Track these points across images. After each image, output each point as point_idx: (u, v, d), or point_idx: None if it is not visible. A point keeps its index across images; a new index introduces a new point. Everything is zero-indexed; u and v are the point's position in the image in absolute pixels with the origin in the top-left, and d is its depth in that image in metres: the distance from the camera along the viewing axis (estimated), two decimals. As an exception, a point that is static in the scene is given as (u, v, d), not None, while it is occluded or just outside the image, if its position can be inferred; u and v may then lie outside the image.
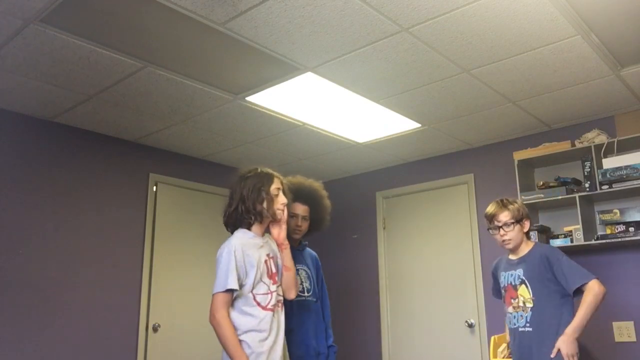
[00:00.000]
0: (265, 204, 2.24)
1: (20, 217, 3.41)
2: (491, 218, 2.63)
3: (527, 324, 2.47)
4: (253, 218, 2.24)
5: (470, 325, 4.12)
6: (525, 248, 2.61)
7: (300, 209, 2.66)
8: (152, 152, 4.21)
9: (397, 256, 4.70)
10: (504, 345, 3.30)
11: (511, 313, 2.59)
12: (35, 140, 3.56)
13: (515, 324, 2.55)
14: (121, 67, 2.89)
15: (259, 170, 2.32)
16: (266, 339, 2.17)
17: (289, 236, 2.61)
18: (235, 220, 2.27)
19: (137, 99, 3.30)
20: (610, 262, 3.51)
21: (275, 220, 2.30)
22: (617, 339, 3.42)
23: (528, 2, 2.35)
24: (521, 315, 2.50)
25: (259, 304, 2.18)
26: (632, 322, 3.38)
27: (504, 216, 2.57)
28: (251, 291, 2.17)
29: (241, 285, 2.16)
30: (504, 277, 2.65)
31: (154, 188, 4.21)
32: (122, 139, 4.02)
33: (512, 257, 2.65)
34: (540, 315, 2.44)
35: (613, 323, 3.41)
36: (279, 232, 2.32)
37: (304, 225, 2.69)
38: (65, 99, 3.30)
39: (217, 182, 4.62)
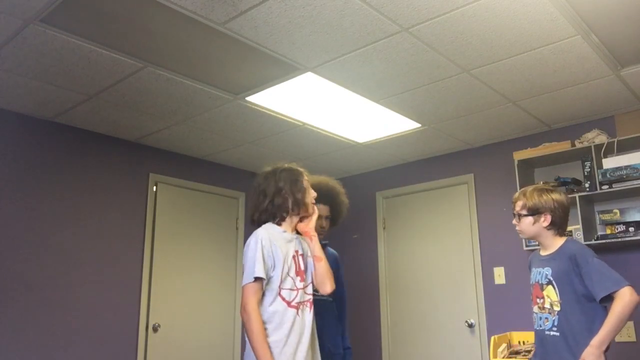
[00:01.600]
0: (301, 194, 2.26)
1: (20, 217, 3.41)
2: (513, 204, 2.49)
3: (554, 328, 2.27)
4: (290, 209, 2.24)
5: (470, 325, 4.12)
6: (555, 244, 2.37)
7: (324, 210, 2.67)
8: (152, 152, 4.21)
9: (397, 256, 4.70)
10: (504, 345, 3.30)
11: (536, 313, 2.39)
12: (35, 140, 3.56)
13: (540, 326, 2.36)
14: (121, 67, 2.89)
15: (286, 165, 2.35)
16: (287, 337, 2.12)
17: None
18: (269, 215, 2.26)
19: (137, 99, 3.30)
20: (610, 262, 3.47)
21: (307, 212, 2.30)
22: (617, 339, 3.41)
23: (528, 2, 2.35)
24: (547, 318, 2.32)
25: (284, 299, 2.15)
26: (632, 322, 3.38)
27: (517, 205, 2.43)
28: (279, 285, 2.14)
29: (269, 278, 2.14)
30: (534, 274, 2.45)
31: (154, 188, 4.21)
32: (122, 139, 4.02)
33: (542, 252, 2.44)
34: (568, 320, 2.23)
35: (613, 323, 3.40)
36: (307, 223, 2.31)
37: (327, 226, 2.72)
38: (65, 99, 3.30)
39: (217, 182, 4.62)
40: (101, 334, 3.66)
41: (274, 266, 2.15)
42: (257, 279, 2.08)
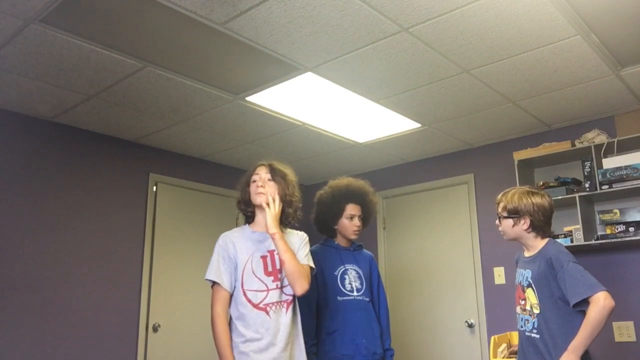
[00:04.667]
0: (243, 192, 2.30)
1: (20, 217, 3.41)
2: (496, 205, 2.52)
3: (534, 330, 2.29)
4: (244, 208, 2.31)
5: (470, 325, 4.12)
6: (537, 246, 2.37)
7: (356, 209, 2.74)
8: (152, 152, 4.21)
9: (397, 256, 4.70)
10: (504, 345, 3.30)
11: (519, 314, 2.42)
12: (35, 140, 3.56)
13: (522, 327, 2.39)
14: (121, 67, 2.89)
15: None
16: (258, 340, 2.07)
17: (349, 238, 2.75)
18: (244, 215, 2.34)
19: (137, 99, 3.30)
20: (610, 262, 3.51)
21: (255, 203, 2.24)
22: (617, 339, 3.42)
23: (528, 2, 2.35)
24: (527, 319, 2.35)
25: (249, 301, 2.12)
26: (632, 322, 3.38)
27: (499, 207, 2.46)
28: (241, 286, 2.13)
29: (235, 279, 2.17)
30: (517, 276, 2.47)
31: (154, 188, 4.21)
32: (122, 139, 4.02)
33: (525, 253, 2.46)
34: (547, 324, 2.24)
35: (613, 323, 3.41)
36: (264, 219, 2.18)
37: (360, 225, 2.76)
38: (65, 99, 3.30)
39: (217, 182, 4.62)
40: (101, 334, 3.66)
41: (236, 267, 2.16)
42: (212, 282, 2.14)
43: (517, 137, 4.08)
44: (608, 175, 3.32)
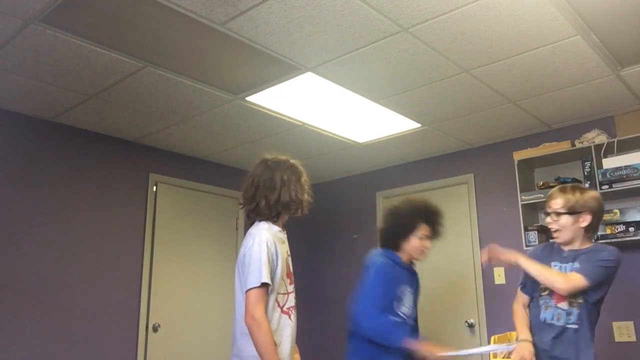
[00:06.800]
0: (306, 196, 2.22)
1: (20, 217, 3.41)
2: (546, 202, 2.39)
3: (578, 321, 2.21)
4: (294, 209, 2.17)
5: (470, 325, 4.12)
6: (582, 245, 2.29)
7: (429, 231, 2.62)
8: (152, 152, 4.21)
9: (397, 256, 4.69)
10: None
11: (552, 308, 2.30)
12: (35, 140, 3.56)
13: (552, 320, 2.28)
14: (121, 67, 2.89)
15: (291, 160, 2.32)
16: (281, 342, 2.02)
17: (414, 257, 2.64)
18: (271, 210, 2.15)
19: (137, 99, 3.30)
20: (610, 262, 3.50)
21: (303, 212, 2.22)
22: (617, 339, 3.42)
23: (528, 2, 2.35)
24: (563, 312, 2.25)
25: (278, 304, 2.06)
26: (632, 322, 3.38)
27: (555, 203, 2.29)
28: (277, 290, 2.06)
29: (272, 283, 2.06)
30: (559, 270, 2.33)
31: (154, 188, 4.21)
32: (122, 139, 4.02)
33: (564, 247, 2.34)
34: (584, 312, 2.21)
35: (613, 323, 3.41)
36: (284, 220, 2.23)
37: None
38: (65, 99, 3.30)
39: (217, 182, 4.62)
40: (101, 334, 3.66)
41: (275, 271, 2.06)
42: (263, 284, 1.98)
43: (517, 137, 4.08)
44: (608, 175, 3.32)
